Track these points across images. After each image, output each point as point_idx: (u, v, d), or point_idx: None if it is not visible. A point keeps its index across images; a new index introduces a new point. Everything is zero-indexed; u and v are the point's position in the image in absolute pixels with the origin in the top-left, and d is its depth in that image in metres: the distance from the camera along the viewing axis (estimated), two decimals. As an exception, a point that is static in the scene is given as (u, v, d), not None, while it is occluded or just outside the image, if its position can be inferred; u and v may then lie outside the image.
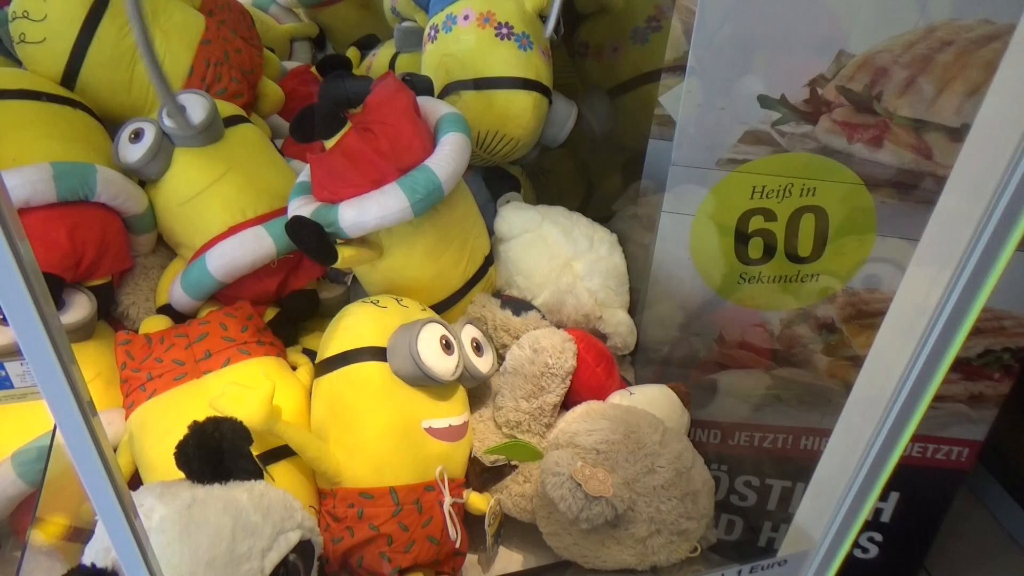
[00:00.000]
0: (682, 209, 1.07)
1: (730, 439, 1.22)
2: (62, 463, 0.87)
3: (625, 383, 1.01)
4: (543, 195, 1.34)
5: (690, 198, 1.06)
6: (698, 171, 1.04)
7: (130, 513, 0.51)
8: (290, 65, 1.53)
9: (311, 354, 1.04)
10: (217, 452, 0.69)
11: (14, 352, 0.90)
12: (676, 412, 0.92)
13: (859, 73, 0.97)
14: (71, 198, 0.96)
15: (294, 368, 0.99)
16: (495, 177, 1.21)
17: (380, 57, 1.56)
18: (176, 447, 0.69)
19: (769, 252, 1.08)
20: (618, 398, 0.93)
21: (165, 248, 1.13)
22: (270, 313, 1.07)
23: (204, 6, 1.24)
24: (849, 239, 1.07)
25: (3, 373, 0.78)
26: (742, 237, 1.07)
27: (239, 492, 0.68)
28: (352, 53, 1.61)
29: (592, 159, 1.41)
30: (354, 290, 1.13)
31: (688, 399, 0.95)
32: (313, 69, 1.46)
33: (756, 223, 1.06)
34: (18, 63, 1.40)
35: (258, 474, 0.73)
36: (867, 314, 1.10)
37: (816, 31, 0.95)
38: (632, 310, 1.12)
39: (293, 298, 1.06)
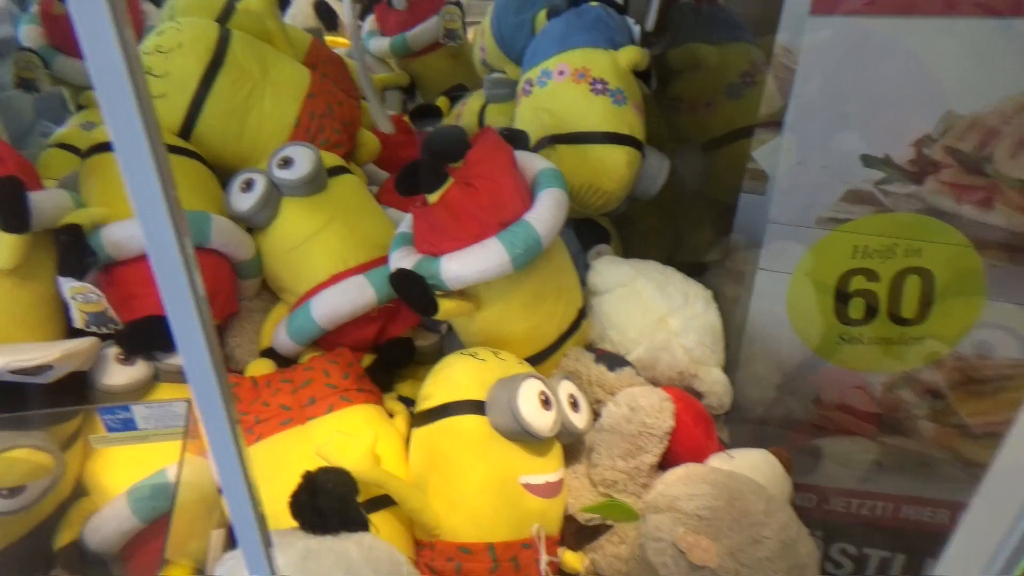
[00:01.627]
0: (779, 267, 1.05)
1: (826, 504, 1.18)
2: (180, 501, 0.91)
3: (722, 444, 0.99)
4: (628, 245, 1.35)
5: (788, 256, 1.04)
6: (797, 229, 1.03)
7: (268, 547, 0.52)
8: (383, 114, 1.58)
9: (406, 401, 1.06)
10: (329, 503, 0.70)
11: (137, 391, 0.95)
12: (779, 479, 0.90)
13: (968, 134, 0.95)
14: (187, 245, 1.01)
15: (391, 415, 1.01)
16: (586, 228, 1.22)
17: (470, 106, 1.59)
18: (291, 497, 0.71)
19: (871, 313, 1.05)
20: (718, 461, 0.91)
21: (268, 292, 1.17)
22: (367, 359, 1.09)
23: (308, 60, 1.30)
24: (957, 302, 1.03)
25: (129, 415, 0.81)
26: (843, 297, 1.05)
27: (349, 545, 0.69)
28: (442, 102, 1.66)
29: (680, 211, 1.41)
30: (448, 339, 1.15)
31: (791, 465, 0.93)
32: (405, 118, 1.50)
33: (858, 283, 1.04)
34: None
35: (365, 525, 0.74)
36: (977, 381, 1.05)
37: (921, 90, 0.93)
38: (724, 368, 1.10)
39: (390, 346, 1.09)
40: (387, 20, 1.73)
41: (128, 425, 0.81)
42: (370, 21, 1.82)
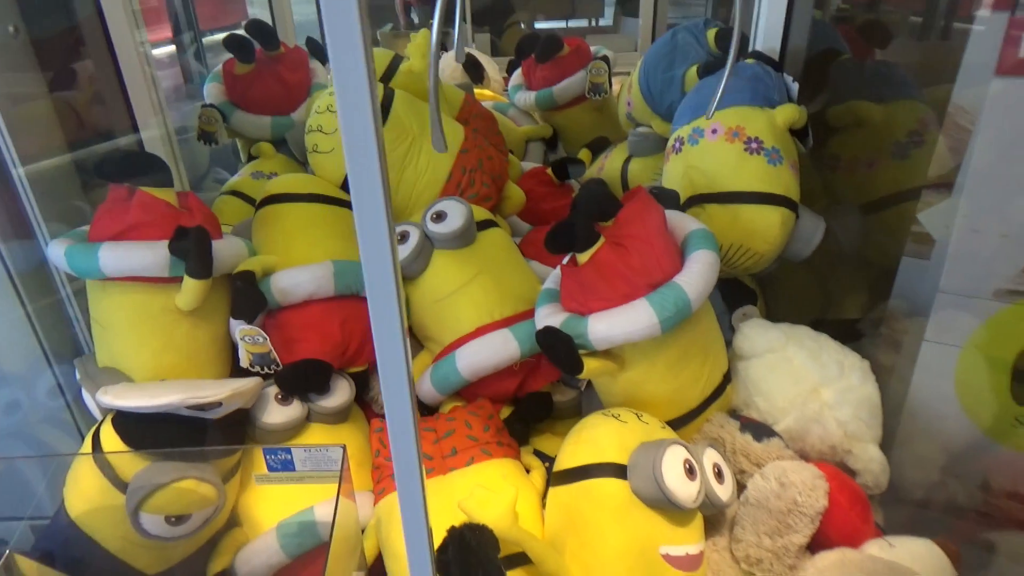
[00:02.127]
0: (948, 339, 0.98)
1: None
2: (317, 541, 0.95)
3: (878, 529, 0.92)
4: (774, 307, 1.30)
5: (958, 328, 0.97)
6: (970, 300, 0.96)
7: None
8: (526, 166, 1.61)
9: (542, 456, 1.06)
10: (474, 561, 0.71)
11: (291, 429, 1.00)
12: (944, 574, 0.83)
13: None
14: (345, 292, 1.07)
15: (527, 470, 1.01)
16: (732, 288, 1.19)
17: (612, 160, 1.60)
18: (436, 552, 0.72)
19: (1053, 395, 0.96)
20: (876, 549, 0.85)
21: (412, 339, 1.21)
22: (505, 411, 1.10)
23: (461, 115, 1.36)
24: None
25: (289, 457, 0.86)
26: (1021, 376, 0.96)
27: (492, 606, 0.70)
28: (584, 154, 1.68)
29: (833, 273, 1.35)
30: (587, 396, 1.14)
31: (959, 559, 0.85)
32: (548, 170, 1.53)
33: (1040, 362, 0.95)
34: (296, 162, 1.61)
35: (505, 585, 0.74)
36: None
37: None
38: (880, 445, 1.03)
39: (529, 399, 1.09)
40: (533, 74, 1.78)
41: (287, 466, 0.86)
42: (517, 75, 1.87)
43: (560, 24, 3.27)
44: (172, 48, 1.97)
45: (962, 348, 0.98)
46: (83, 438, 0.97)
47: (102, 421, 0.96)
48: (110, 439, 0.93)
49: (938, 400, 1.01)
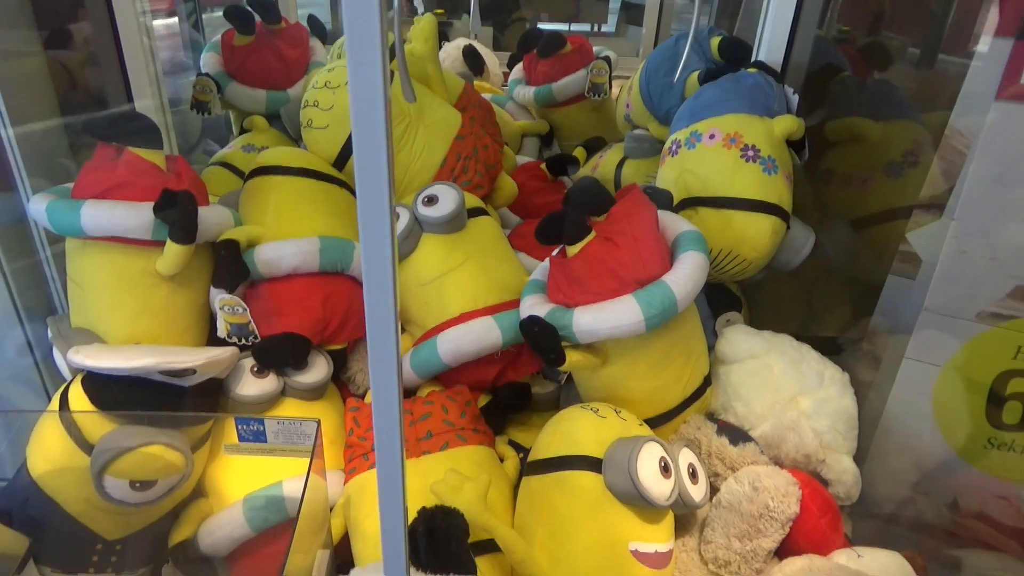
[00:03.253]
0: (929, 358, 0.99)
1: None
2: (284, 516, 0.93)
3: (846, 540, 0.93)
4: (757, 313, 1.30)
5: (940, 348, 0.98)
6: (953, 320, 0.96)
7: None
8: (520, 159, 1.61)
9: (516, 446, 1.05)
10: (443, 544, 0.70)
11: (266, 403, 0.99)
12: (911, 587, 0.83)
13: None
14: (330, 270, 1.05)
15: (501, 459, 1.01)
16: (717, 294, 1.19)
17: (607, 159, 1.60)
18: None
19: (1028, 420, 0.97)
20: (844, 558, 0.85)
21: (394, 322, 1.20)
22: (483, 400, 1.09)
23: (460, 103, 1.35)
24: None
25: (261, 428, 0.84)
26: (997, 399, 0.97)
27: (458, 588, 0.69)
28: (579, 152, 1.68)
29: (817, 286, 1.35)
30: (566, 390, 1.14)
31: (925, 574, 0.85)
32: (543, 166, 1.52)
33: (1016, 386, 0.96)
34: (288, 138, 1.59)
35: (474, 569, 0.73)
36: None
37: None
38: (854, 457, 1.03)
39: (508, 389, 1.09)
40: (534, 69, 1.78)
41: (259, 437, 0.85)
42: (517, 69, 1.87)
43: (563, 27, 3.27)
44: (173, 20, 1.95)
45: (942, 368, 0.99)
46: (50, 398, 0.95)
47: (71, 381, 0.94)
48: (78, 400, 0.91)
49: (914, 417, 1.02)
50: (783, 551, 0.89)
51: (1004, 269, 0.91)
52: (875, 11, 1.54)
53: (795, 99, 1.18)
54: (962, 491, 1.04)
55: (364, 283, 0.42)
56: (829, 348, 1.16)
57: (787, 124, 1.11)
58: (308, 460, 0.86)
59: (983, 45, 0.91)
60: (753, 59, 1.33)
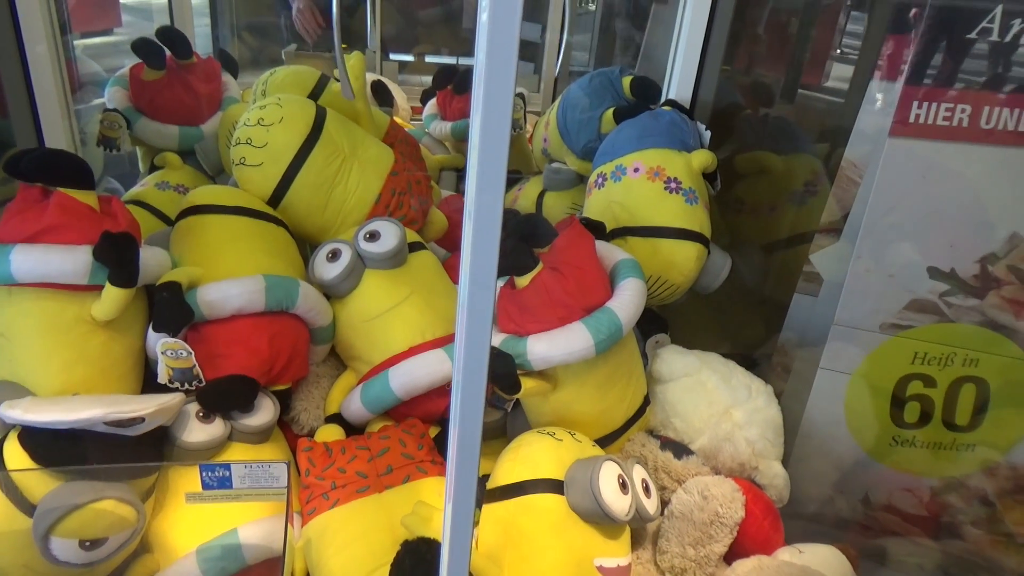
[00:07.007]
0: (840, 367, 1.09)
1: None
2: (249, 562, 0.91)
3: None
4: (677, 334, 1.38)
5: (849, 357, 1.09)
6: (860, 332, 1.07)
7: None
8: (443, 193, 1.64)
9: (469, 476, 1.07)
10: (431, 571, 0.72)
11: (212, 449, 0.96)
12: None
13: (1031, 255, 1.01)
14: (275, 308, 1.04)
15: (458, 489, 1.02)
16: (646, 318, 1.25)
17: (526, 192, 1.66)
18: (392, 565, 0.72)
19: (925, 418, 1.09)
20: (787, 555, 0.92)
21: (333, 359, 1.20)
22: (432, 431, 1.11)
23: (387, 139, 1.37)
24: (1010, 412, 1.07)
25: (227, 473, 0.83)
26: (898, 401, 1.09)
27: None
28: (496, 185, 1.72)
29: (732, 307, 1.46)
30: (512, 417, 1.17)
31: (857, 563, 0.94)
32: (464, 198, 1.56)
33: (915, 388, 1.08)
34: (204, 175, 1.55)
35: (457, 599, 0.75)
36: (1027, 491, 1.08)
37: (990, 212, 0.99)
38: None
39: (458, 419, 1.10)
40: (449, 105, 1.81)
41: (224, 483, 0.83)
42: (431, 104, 1.90)
43: (451, 60, 3.32)
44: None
45: (851, 375, 1.09)
46: (-21, 459, 0.89)
47: (4, 437, 0.88)
48: (15, 456, 0.86)
49: (830, 423, 1.12)
50: (731, 555, 0.96)
51: (900, 284, 1.03)
52: (749, 51, 1.69)
53: (707, 134, 1.28)
54: (872, 487, 1.15)
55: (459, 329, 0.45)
56: (745, 363, 1.25)
57: (703, 158, 1.21)
58: (271, 503, 0.85)
59: (873, 88, 1.04)
60: (664, 97, 1.43)
